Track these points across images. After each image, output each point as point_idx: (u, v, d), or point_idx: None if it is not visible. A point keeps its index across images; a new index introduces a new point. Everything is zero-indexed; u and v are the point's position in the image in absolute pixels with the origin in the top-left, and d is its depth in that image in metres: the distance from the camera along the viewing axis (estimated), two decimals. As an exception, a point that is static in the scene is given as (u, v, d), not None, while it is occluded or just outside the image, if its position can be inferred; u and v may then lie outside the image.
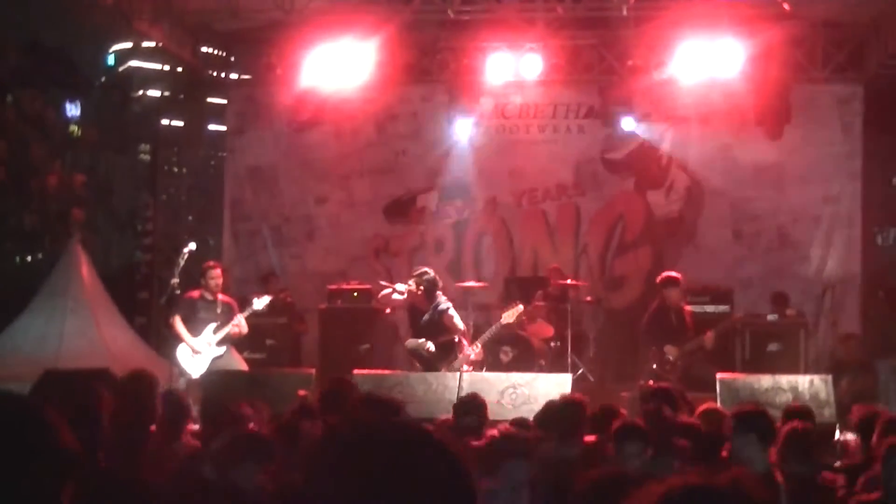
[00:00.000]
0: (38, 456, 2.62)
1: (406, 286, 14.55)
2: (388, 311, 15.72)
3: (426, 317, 14.58)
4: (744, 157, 19.16)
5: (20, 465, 2.59)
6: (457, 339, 14.58)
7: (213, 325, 14.68)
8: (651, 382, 12.81)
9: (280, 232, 20.12)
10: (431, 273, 14.71)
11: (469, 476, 2.30)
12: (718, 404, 11.95)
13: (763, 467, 7.38)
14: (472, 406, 9.55)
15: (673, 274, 15.37)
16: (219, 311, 14.78)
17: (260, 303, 14.98)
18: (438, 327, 14.51)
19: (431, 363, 14.28)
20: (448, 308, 14.61)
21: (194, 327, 14.71)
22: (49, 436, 2.65)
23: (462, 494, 2.27)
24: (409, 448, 2.27)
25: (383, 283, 15.02)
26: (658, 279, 15.48)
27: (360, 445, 2.28)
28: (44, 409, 2.72)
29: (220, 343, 14.68)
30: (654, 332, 14.98)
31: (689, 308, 15.41)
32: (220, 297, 14.92)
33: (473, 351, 14.52)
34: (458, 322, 14.64)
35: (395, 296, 14.73)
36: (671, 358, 14.69)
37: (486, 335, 14.86)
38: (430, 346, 14.36)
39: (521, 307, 14.99)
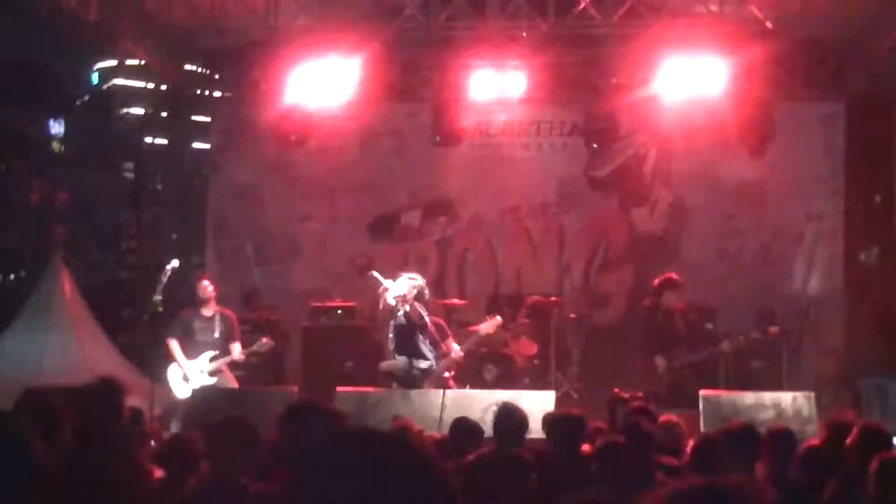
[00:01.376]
0: (7, 467, 2.62)
1: (397, 293, 14.29)
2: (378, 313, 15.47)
3: (406, 325, 14.33)
4: (727, 175, 19.20)
5: None
6: (437, 342, 14.49)
7: (210, 353, 14.62)
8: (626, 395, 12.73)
9: (264, 249, 20.09)
10: (422, 281, 14.60)
11: (449, 489, 2.30)
12: (702, 421, 11.98)
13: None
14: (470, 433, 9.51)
15: (672, 276, 15.41)
16: (216, 331, 14.72)
17: (262, 346, 14.95)
18: (418, 337, 14.34)
19: (413, 381, 14.21)
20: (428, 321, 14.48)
21: (192, 349, 14.65)
22: (18, 448, 2.65)
23: None
24: (390, 458, 2.27)
25: (375, 273, 14.79)
26: (656, 280, 15.50)
27: (343, 455, 2.28)
28: (14, 421, 2.72)
29: (212, 373, 14.63)
30: (643, 339, 15.05)
31: (684, 309, 15.36)
32: (217, 310, 14.88)
33: (455, 353, 14.43)
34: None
35: (387, 296, 14.49)
36: (660, 370, 14.71)
37: (467, 343, 14.83)
38: (419, 363, 14.26)
39: (499, 319, 14.96)
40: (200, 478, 6.86)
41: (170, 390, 14.54)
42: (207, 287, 15.00)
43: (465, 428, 9.58)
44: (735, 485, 2.09)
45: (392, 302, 14.23)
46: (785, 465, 7.89)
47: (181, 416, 13.57)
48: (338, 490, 2.22)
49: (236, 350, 14.73)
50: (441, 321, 15.16)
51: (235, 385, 14.89)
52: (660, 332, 15.06)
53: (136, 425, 8.81)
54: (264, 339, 15.07)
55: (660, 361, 14.85)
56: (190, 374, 14.50)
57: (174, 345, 14.64)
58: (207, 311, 14.76)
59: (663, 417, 10.02)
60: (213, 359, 14.59)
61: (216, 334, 14.69)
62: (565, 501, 4.95)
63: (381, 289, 14.40)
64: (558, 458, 8.19)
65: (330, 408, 6.01)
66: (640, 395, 12.04)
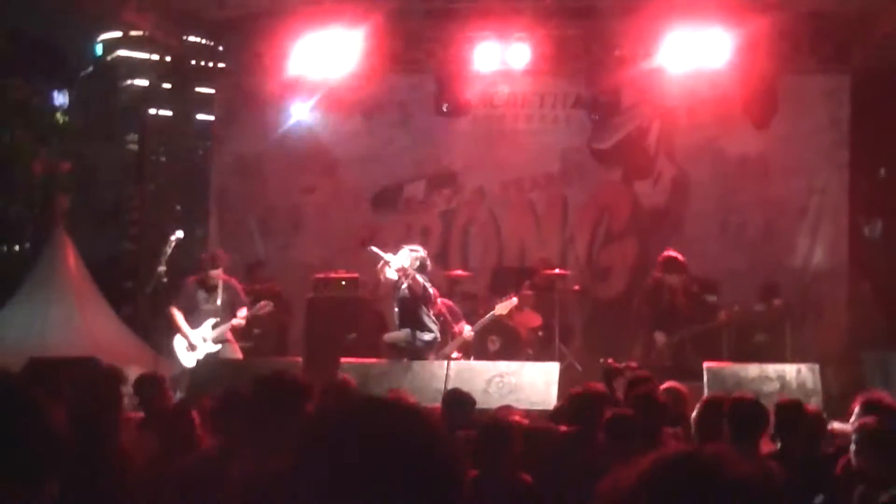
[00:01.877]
0: (26, 434, 2.59)
1: (399, 265, 14.27)
2: (378, 288, 15.44)
3: (409, 298, 14.31)
4: (730, 148, 19.17)
5: (8, 442, 2.56)
6: (447, 322, 14.54)
7: (212, 321, 14.64)
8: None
9: (267, 222, 20.09)
10: (424, 253, 14.58)
11: (458, 460, 2.30)
12: (706, 393, 11.98)
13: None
14: (462, 402, 9.53)
15: (673, 255, 15.44)
16: (220, 298, 14.74)
17: (260, 308, 14.97)
18: (422, 310, 14.34)
19: (417, 353, 14.22)
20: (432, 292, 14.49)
21: (196, 318, 14.68)
22: (37, 415, 2.61)
23: (451, 478, 2.27)
24: (398, 429, 2.27)
25: (374, 248, 14.76)
26: (659, 257, 15.54)
27: (349, 426, 2.28)
28: (32, 389, 2.68)
29: (216, 340, 14.65)
30: (645, 314, 15.08)
31: (685, 286, 15.41)
32: (222, 279, 14.90)
33: (466, 333, 14.51)
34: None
35: (388, 271, 14.46)
36: (659, 345, 14.73)
37: (479, 324, 14.87)
38: (422, 335, 14.26)
39: (514, 300, 14.98)
40: (200, 453, 6.85)
41: (177, 359, 14.57)
42: (219, 256, 15.05)
43: (456, 399, 9.59)
44: (716, 454, 2.10)
45: (394, 276, 14.22)
46: (791, 438, 7.90)
47: (184, 386, 13.59)
48: (345, 460, 2.21)
49: (240, 315, 14.74)
50: (452, 304, 15.19)
51: (239, 354, 14.93)
52: (661, 308, 15.11)
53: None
54: (262, 303, 15.09)
55: (659, 336, 14.91)
56: (194, 343, 14.53)
57: (177, 314, 14.66)
58: (212, 280, 14.77)
59: (665, 384, 10.03)
60: (215, 325, 14.61)
61: (219, 302, 14.72)
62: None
63: (381, 263, 14.39)
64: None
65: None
66: (633, 364, 12.04)
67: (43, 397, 2.69)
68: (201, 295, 14.76)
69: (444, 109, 19.17)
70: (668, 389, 9.69)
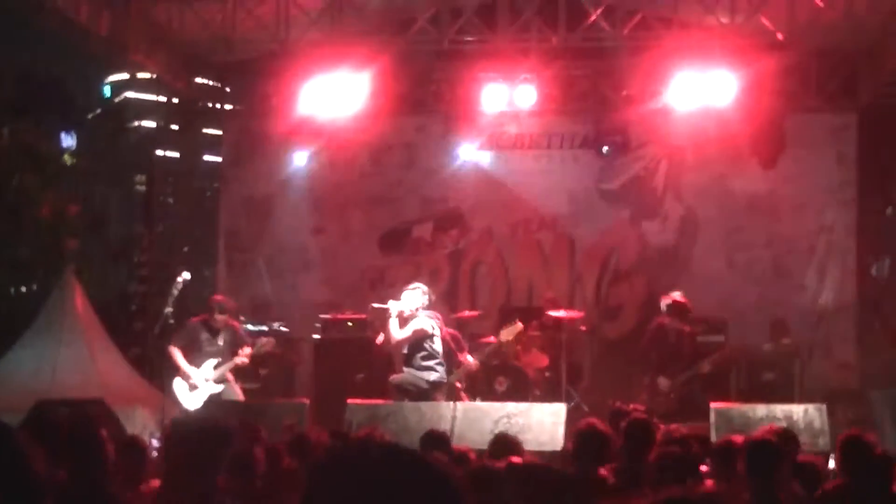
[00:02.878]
0: (5, 482, 2.57)
1: (397, 310, 14.28)
2: (378, 340, 15.47)
3: (416, 339, 14.32)
4: (738, 187, 19.18)
5: None
6: (452, 352, 14.52)
7: (214, 361, 14.60)
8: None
9: (275, 262, 20.11)
10: (423, 288, 14.55)
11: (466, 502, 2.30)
12: (713, 433, 11.94)
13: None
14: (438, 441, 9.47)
15: (678, 299, 15.47)
16: (221, 340, 14.71)
17: (263, 346, 14.90)
18: (424, 350, 14.33)
19: (423, 394, 14.17)
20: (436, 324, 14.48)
21: (196, 358, 14.64)
22: (18, 462, 2.60)
23: None
24: (408, 472, 2.27)
25: (374, 305, 14.83)
26: (663, 302, 15.57)
27: (360, 467, 2.28)
28: (15, 434, 2.66)
29: (217, 380, 14.61)
30: (651, 358, 15.07)
31: (690, 331, 15.43)
32: (225, 321, 14.87)
33: (470, 362, 14.49)
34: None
35: (391, 322, 14.47)
36: (664, 390, 14.71)
37: (485, 352, 14.86)
38: (427, 375, 14.23)
39: (520, 325, 14.90)
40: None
41: (177, 400, 14.52)
42: (227, 302, 15.05)
43: (434, 439, 9.52)
44: (708, 495, 2.10)
45: (396, 322, 14.21)
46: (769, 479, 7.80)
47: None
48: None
49: (243, 353, 14.68)
50: (456, 333, 15.20)
51: (241, 395, 14.87)
52: (665, 352, 15.11)
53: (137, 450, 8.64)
54: (264, 339, 15.04)
55: (663, 382, 14.89)
56: (196, 383, 14.50)
57: (177, 352, 14.63)
58: (218, 324, 14.75)
59: (668, 426, 9.95)
60: (217, 366, 14.58)
61: (221, 343, 14.68)
62: None
63: (387, 313, 14.39)
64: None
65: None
66: (641, 407, 12.00)
67: (24, 440, 2.68)
68: (205, 336, 14.72)
69: (449, 153, 19.32)
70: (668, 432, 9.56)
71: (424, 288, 14.41)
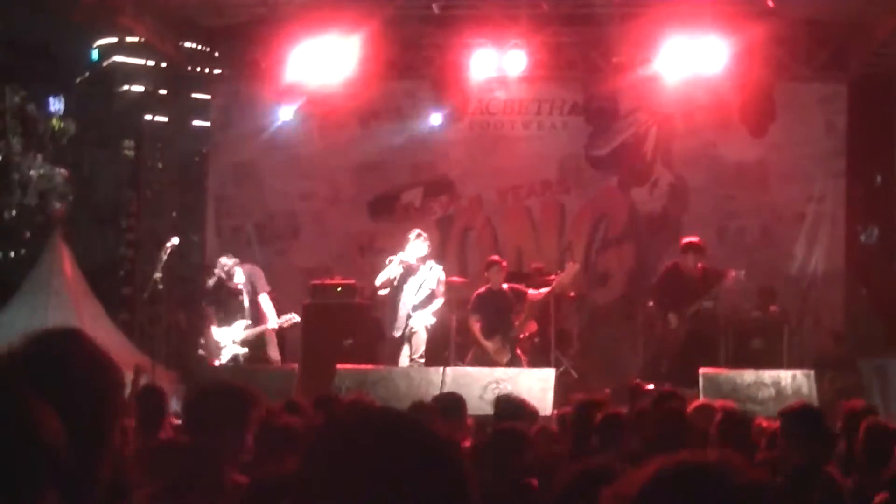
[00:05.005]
0: (15, 446, 2.49)
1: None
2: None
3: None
4: (728, 155, 19.19)
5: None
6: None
7: (244, 322, 14.74)
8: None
9: (264, 228, 20.08)
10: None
11: (465, 469, 2.30)
12: (701, 399, 11.95)
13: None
14: (452, 404, 9.50)
15: (694, 240, 15.68)
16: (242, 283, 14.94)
17: (289, 320, 15.14)
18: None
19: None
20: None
21: (225, 317, 14.86)
22: (28, 424, 2.51)
23: (458, 487, 2.27)
24: (406, 437, 2.26)
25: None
26: (681, 244, 15.80)
27: (357, 433, 2.27)
28: (27, 398, 2.57)
29: (243, 343, 14.72)
30: (662, 298, 15.35)
31: (702, 267, 15.62)
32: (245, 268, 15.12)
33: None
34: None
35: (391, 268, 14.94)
36: (673, 325, 14.89)
37: (547, 295, 15.60)
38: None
39: (577, 265, 15.61)
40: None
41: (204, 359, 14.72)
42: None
43: (450, 402, 9.56)
44: (721, 462, 2.09)
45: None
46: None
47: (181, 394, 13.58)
48: (351, 471, 2.21)
49: (272, 320, 14.86)
50: (519, 287, 15.83)
51: (276, 354, 15.12)
52: (675, 289, 15.27)
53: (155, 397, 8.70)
54: (289, 316, 15.29)
55: (672, 318, 15.07)
56: (224, 342, 14.63)
57: (210, 312, 14.85)
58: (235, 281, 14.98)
59: (696, 402, 9.88)
60: (247, 327, 14.68)
61: (241, 286, 14.90)
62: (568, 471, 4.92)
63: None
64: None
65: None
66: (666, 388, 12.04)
67: (34, 403, 2.56)
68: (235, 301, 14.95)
69: (438, 119, 19.39)
70: (699, 407, 9.50)
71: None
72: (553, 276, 17.16)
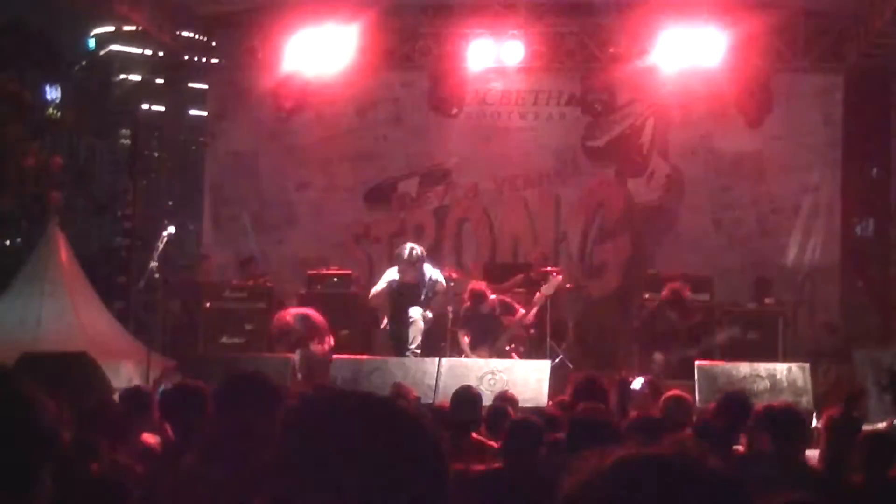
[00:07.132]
0: (14, 434, 2.51)
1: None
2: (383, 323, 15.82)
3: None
4: (724, 146, 19.18)
5: None
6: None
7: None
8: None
9: (260, 217, 20.06)
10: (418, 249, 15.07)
11: (444, 453, 2.30)
12: (696, 391, 12.01)
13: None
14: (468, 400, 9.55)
15: (681, 290, 15.61)
16: None
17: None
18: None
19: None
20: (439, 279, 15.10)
21: None
22: (28, 410, 2.53)
23: (436, 470, 2.27)
24: (382, 418, 2.27)
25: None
26: (665, 291, 15.61)
27: (333, 413, 2.27)
28: (23, 383, 2.59)
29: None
30: (644, 336, 15.30)
31: (686, 310, 15.54)
32: None
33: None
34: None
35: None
36: (657, 364, 14.81)
37: (533, 309, 15.49)
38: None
39: (559, 278, 15.38)
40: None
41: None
42: None
43: (465, 396, 9.60)
44: (680, 451, 2.08)
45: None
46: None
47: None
48: (326, 451, 2.21)
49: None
50: (507, 299, 15.55)
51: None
52: (660, 330, 15.20)
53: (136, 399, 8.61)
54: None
55: (658, 357, 14.98)
56: None
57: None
58: None
59: (671, 392, 9.96)
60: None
61: None
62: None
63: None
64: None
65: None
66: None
67: (34, 391, 2.59)
68: None
69: (434, 109, 19.34)
70: (673, 397, 9.57)
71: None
72: (551, 268, 17.19)
